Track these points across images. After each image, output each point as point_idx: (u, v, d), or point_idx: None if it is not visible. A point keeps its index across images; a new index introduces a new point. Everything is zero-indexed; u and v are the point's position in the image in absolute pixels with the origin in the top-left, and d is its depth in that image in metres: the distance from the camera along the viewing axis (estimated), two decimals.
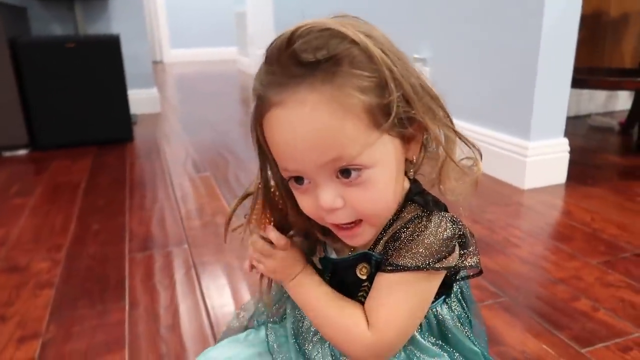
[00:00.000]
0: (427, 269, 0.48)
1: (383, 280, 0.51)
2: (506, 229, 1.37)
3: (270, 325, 0.66)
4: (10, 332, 0.96)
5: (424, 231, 0.49)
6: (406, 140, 0.49)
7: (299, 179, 0.48)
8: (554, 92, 1.64)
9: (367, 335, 0.51)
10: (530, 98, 1.62)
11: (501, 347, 0.89)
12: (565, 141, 1.70)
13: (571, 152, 1.72)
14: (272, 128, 0.46)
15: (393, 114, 0.44)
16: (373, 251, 0.52)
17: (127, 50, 2.61)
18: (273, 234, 0.55)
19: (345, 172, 0.45)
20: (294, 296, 0.57)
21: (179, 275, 1.16)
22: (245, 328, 0.70)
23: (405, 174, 0.53)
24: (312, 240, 0.59)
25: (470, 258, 0.51)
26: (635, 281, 1.09)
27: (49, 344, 0.92)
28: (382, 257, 0.51)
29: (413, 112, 0.46)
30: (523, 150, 1.65)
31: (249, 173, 1.91)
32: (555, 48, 1.58)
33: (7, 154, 2.21)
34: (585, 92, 2.68)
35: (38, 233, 1.40)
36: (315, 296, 0.55)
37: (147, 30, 3.18)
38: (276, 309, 0.67)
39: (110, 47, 2.31)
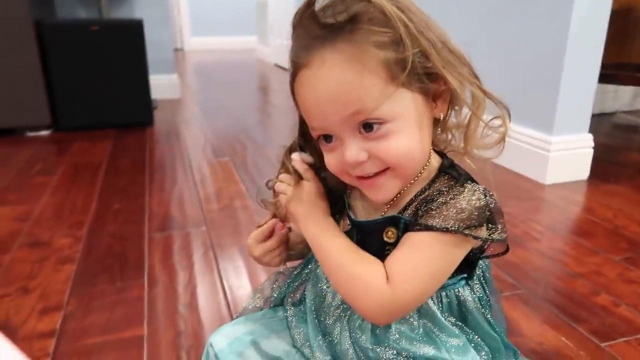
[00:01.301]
0: (456, 233, 0.48)
1: (410, 238, 0.50)
2: (526, 222, 1.36)
3: (289, 303, 0.66)
4: (32, 304, 0.98)
5: (457, 196, 0.49)
6: (432, 97, 0.50)
7: (327, 137, 0.50)
8: (580, 87, 1.61)
9: (385, 289, 0.50)
10: (556, 92, 1.59)
11: (519, 338, 0.88)
12: (590, 137, 1.67)
13: (595, 149, 1.69)
14: (299, 89, 0.49)
15: (408, 67, 0.46)
16: (402, 215, 0.52)
17: (150, 36, 2.63)
18: (296, 156, 0.57)
19: (367, 127, 0.47)
20: (312, 239, 0.56)
21: (197, 255, 1.17)
22: (261, 309, 0.70)
23: (439, 152, 0.54)
24: (339, 205, 0.59)
25: (499, 233, 0.51)
26: None
27: (70, 317, 0.94)
28: (412, 219, 0.51)
29: (430, 65, 0.47)
30: (546, 144, 1.63)
31: (266, 159, 1.91)
32: (584, 42, 1.55)
33: (31, 134, 2.24)
34: (611, 90, 2.62)
35: (60, 210, 1.42)
36: (335, 243, 0.54)
37: (169, 17, 3.20)
38: (294, 292, 0.67)
39: (133, 31, 2.33)
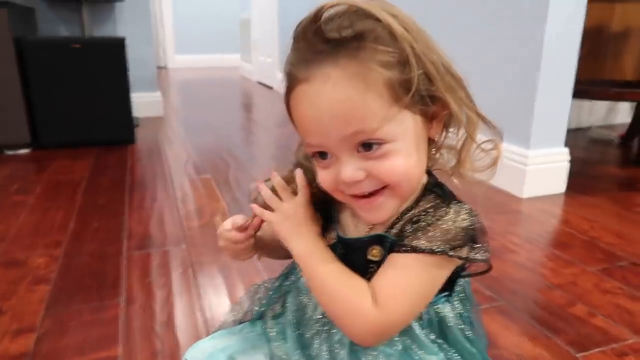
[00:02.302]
0: (442, 254, 0.48)
1: (396, 259, 0.50)
2: (504, 235, 1.37)
3: (269, 317, 0.66)
4: (5, 326, 0.96)
5: (443, 217, 0.50)
6: (429, 118, 0.50)
7: (322, 154, 0.49)
8: (556, 102, 1.65)
9: (372, 311, 0.50)
10: (531, 107, 1.62)
11: (497, 351, 0.88)
12: (566, 150, 1.71)
13: (571, 163, 1.72)
14: (297, 104, 0.48)
15: (413, 89, 0.46)
16: (388, 234, 0.52)
17: (132, 54, 2.64)
18: (276, 180, 0.56)
19: (366, 146, 0.47)
20: (300, 259, 0.55)
21: (175, 274, 1.16)
22: (240, 322, 0.70)
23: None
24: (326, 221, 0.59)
25: (482, 253, 0.51)
26: (632, 289, 1.09)
27: (44, 338, 0.92)
28: (397, 239, 0.51)
29: (434, 88, 0.47)
30: (523, 158, 1.66)
31: (249, 176, 1.91)
32: (557, 59, 1.59)
33: (10, 152, 2.22)
34: (586, 105, 2.69)
35: (37, 229, 1.40)
36: (322, 263, 0.54)
37: (153, 35, 3.21)
38: (274, 305, 0.67)
39: (116, 49, 2.33)
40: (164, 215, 1.51)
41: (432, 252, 0.48)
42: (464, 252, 0.50)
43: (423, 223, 0.50)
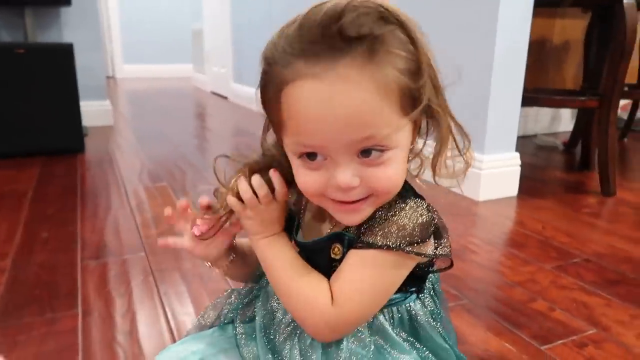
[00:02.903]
0: (397, 250, 0.48)
1: (352, 256, 0.50)
2: (464, 237, 1.41)
3: (238, 321, 0.64)
4: None
5: (399, 212, 0.49)
6: (416, 126, 0.50)
7: (311, 155, 0.46)
8: (507, 109, 1.72)
9: (329, 308, 0.50)
10: (485, 114, 1.69)
11: (464, 346, 0.90)
12: (517, 155, 1.78)
13: (521, 168, 1.80)
14: (298, 100, 0.43)
15: (425, 99, 0.45)
16: (346, 231, 0.52)
17: (80, 61, 2.53)
18: (257, 180, 0.54)
19: (366, 152, 0.45)
20: (262, 256, 0.55)
21: (135, 282, 1.11)
22: (212, 326, 0.68)
23: None
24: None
25: (442, 248, 0.51)
26: (586, 284, 1.14)
27: None
28: (354, 236, 0.51)
29: (437, 100, 0.48)
30: (478, 163, 1.71)
31: (206, 182, 1.87)
32: (508, 69, 1.67)
33: None
34: (532, 114, 2.82)
35: None
36: (284, 260, 0.54)
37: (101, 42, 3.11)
38: (244, 309, 0.65)
39: (63, 55, 2.23)
40: (120, 224, 1.45)
41: (388, 247, 0.48)
42: (423, 248, 0.49)
43: (379, 219, 0.49)
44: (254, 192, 0.54)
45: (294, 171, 0.50)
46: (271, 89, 0.46)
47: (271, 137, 0.55)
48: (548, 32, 2.67)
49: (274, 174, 0.54)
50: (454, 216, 1.57)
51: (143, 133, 2.89)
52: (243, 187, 0.54)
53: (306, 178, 0.48)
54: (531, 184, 1.90)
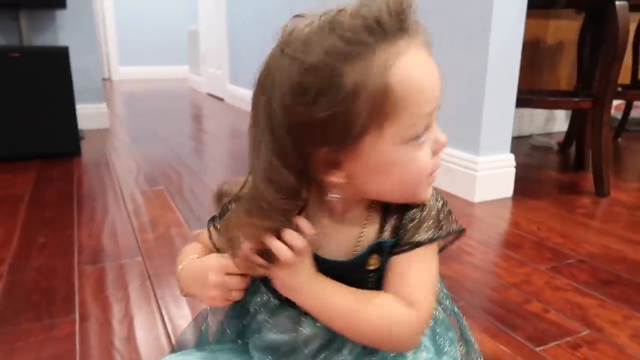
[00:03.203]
0: (438, 239, 0.52)
1: (403, 260, 0.52)
2: (460, 239, 1.41)
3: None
4: None
5: (425, 206, 0.53)
6: None
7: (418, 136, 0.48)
8: (501, 110, 1.73)
9: (411, 314, 0.51)
10: (479, 116, 1.70)
11: None
12: (512, 156, 1.79)
13: (516, 168, 1.81)
14: (409, 76, 0.44)
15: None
16: (383, 239, 0.53)
17: (75, 64, 2.53)
18: (289, 234, 0.48)
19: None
20: (312, 306, 0.51)
21: (133, 287, 1.11)
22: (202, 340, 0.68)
23: None
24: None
25: (456, 223, 0.55)
26: (580, 284, 1.15)
27: None
28: (395, 240, 0.52)
29: None
30: (473, 164, 1.72)
31: (203, 185, 1.88)
32: (502, 70, 1.68)
33: None
34: (526, 115, 2.84)
35: None
36: (340, 297, 0.51)
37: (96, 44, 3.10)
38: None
39: (58, 58, 2.23)
40: (117, 228, 1.45)
41: (431, 240, 0.52)
42: (452, 227, 0.54)
43: (410, 219, 0.52)
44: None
45: (401, 164, 0.47)
46: (369, 82, 0.43)
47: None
48: (542, 33, 2.69)
49: (301, 221, 0.49)
50: None
51: (139, 135, 2.89)
52: (277, 245, 0.48)
53: (423, 159, 0.48)
54: (526, 184, 1.91)
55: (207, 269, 0.56)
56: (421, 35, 0.47)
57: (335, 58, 0.42)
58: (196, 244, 0.66)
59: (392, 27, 0.44)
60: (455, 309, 0.65)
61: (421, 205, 0.52)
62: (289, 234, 0.48)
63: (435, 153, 0.50)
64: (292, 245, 0.48)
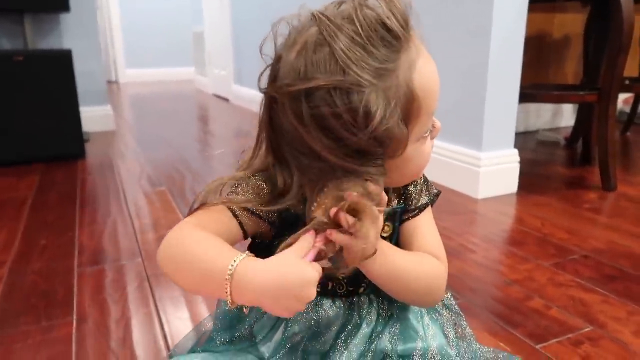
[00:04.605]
0: (434, 200, 0.64)
1: (417, 223, 0.62)
2: (462, 235, 1.40)
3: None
4: None
5: (419, 180, 0.64)
6: None
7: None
8: (503, 106, 1.71)
9: (442, 268, 0.61)
10: (481, 111, 1.68)
11: None
12: (515, 152, 1.77)
13: (521, 164, 1.78)
14: (427, 77, 0.50)
15: None
16: (392, 207, 0.61)
17: (80, 67, 2.55)
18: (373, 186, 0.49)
19: None
20: (384, 270, 0.55)
21: (131, 288, 1.11)
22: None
23: None
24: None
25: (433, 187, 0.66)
26: (584, 280, 1.13)
27: None
28: (403, 207, 0.61)
29: None
30: (476, 160, 1.70)
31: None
32: (503, 65, 1.65)
33: None
34: (533, 110, 2.80)
35: None
36: (405, 259, 0.58)
37: (102, 48, 3.12)
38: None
39: (62, 61, 2.25)
40: (118, 230, 1.45)
41: (432, 201, 0.64)
42: (433, 191, 0.65)
43: (413, 192, 0.62)
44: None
45: (415, 158, 0.53)
46: (401, 92, 0.47)
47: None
48: (548, 26, 2.65)
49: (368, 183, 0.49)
50: (453, 214, 1.56)
51: (144, 137, 2.90)
52: (372, 188, 0.48)
53: (428, 149, 0.55)
54: (531, 180, 1.88)
55: (300, 282, 0.45)
56: (416, 31, 0.50)
57: (385, 58, 0.47)
58: (195, 228, 0.57)
59: (404, 35, 0.48)
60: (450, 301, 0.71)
61: (417, 180, 0.63)
62: (371, 186, 0.48)
63: (432, 138, 0.56)
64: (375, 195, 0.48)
